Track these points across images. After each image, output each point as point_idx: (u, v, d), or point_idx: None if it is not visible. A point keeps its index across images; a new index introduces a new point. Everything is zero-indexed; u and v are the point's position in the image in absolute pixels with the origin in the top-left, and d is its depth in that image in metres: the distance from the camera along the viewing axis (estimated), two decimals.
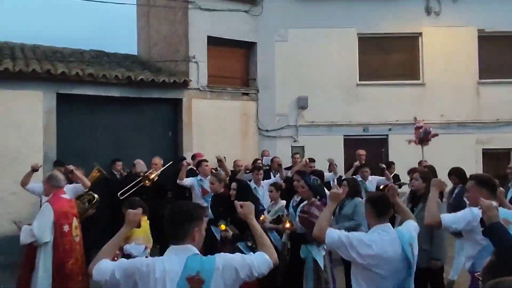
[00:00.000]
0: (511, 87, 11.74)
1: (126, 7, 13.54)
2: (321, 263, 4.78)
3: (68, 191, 6.71)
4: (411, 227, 3.32)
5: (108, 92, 9.41)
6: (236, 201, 2.88)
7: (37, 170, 6.56)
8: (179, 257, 2.34)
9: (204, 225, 2.56)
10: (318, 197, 4.93)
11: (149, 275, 2.28)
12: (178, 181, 7.48)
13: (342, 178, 7.94)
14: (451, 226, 3.58)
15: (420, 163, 8.21)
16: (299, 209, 4.98)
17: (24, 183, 6.40)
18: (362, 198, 5.71)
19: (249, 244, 5.18)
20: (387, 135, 11.27)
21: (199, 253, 2.42)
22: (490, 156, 11.36)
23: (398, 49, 11.81)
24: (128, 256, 4.62)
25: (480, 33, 11.71)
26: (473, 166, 10.68)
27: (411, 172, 6.82)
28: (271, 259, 2.56)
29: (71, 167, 6.94)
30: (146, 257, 4.72)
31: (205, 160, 7.83)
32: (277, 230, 5.58)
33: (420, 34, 11.69)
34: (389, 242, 3.08)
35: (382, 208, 3.22)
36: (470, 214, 3.49)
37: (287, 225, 4.98)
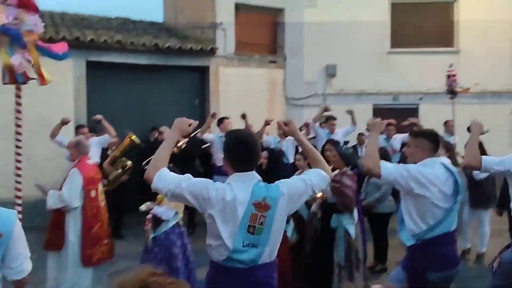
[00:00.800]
0: None
1: None
2: (352, 233, 4.73)
3: (95, 143, 6.91)
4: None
5: (136, 60, 9.42)
6: (280, 120, 2.98)
7: (67, 123, 6.84)
8: (246, 184, 2.41)
9: None
10: (350, 166, 4.84)
11: (218, 197, 2.35)
12: (198, 135, 7.43)
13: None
14: (492, 168, 3.53)
15: (447, 123, 8.18)
16: (331, 179, 4.91)
17: (53, 135, 6.66)
18: None
19: None
20: (418, 104, 10.97)
21: (262, 180, 2.50)
22: None
23: (432, 15, 11.32)
24: (158, 219, 4.69)
25: None
26: (506, 137, 10.38)
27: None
28: (328, 173, 2.66)
29: (99, 116, 7.12)
30: (178, 222, 4.78)
31: (227, 118, 7.99)
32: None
33: None
34: (442, 173, 3.21)
35: (438, 145, 3.33)
36: None
37: (318, 194, 4.92)
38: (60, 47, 2.81)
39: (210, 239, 2.47)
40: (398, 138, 7.93)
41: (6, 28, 2.60)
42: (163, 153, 2.56)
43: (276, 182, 2.53)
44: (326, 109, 8.21)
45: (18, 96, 2.86)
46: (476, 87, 11.08)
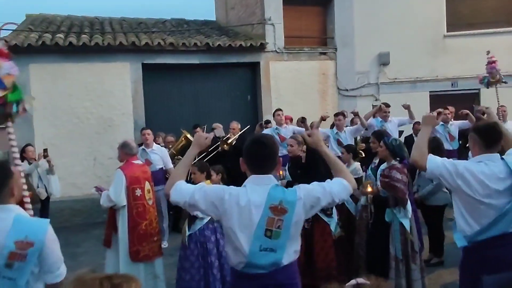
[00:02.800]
0: None
1: None
2: (407, 226, 4.62)
3: (159, 151, 7.14)
4: None
5: (188, 60, 9.64)
6: (304, 132, 2.94)
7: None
8: (262, 188, 2.38)
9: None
10: (398, 158, 4.70)
11: (232, 203, 2.34)
12: (255, 133, 7.72)
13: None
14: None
15: (499, 109, 7.65)
16: (379, 172, 4.80)
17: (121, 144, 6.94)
18: (446, 157, 5.39)
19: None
20: (479, 89, 10.37)
21: (279, 183, 2.48)
22: None
23: None
24: (194, 217, 4.78)
25: None
26: None
27: None
28: (350, 184, 2.56)
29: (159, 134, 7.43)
30: (211, 219, 4.74)
31: (280, 109, 8.07)
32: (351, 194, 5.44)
33: None
34: (497, 171, 2.91)
35: (492, 138, 2.99)
36: None
37: (369, 189, 4.82)
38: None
39: (227, 246, 2.47)
40: (456, 124, 7.62)
41: None
42: (181, 169, 2.63)
43: (294, 186, 2.51)
44: (380, 109, 7.92)
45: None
46: None
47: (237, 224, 2.33)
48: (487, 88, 8.04)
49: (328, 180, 2.60)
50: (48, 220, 2.56)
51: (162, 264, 5.11)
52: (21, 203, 3.30)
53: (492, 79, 7.70)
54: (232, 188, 2.44)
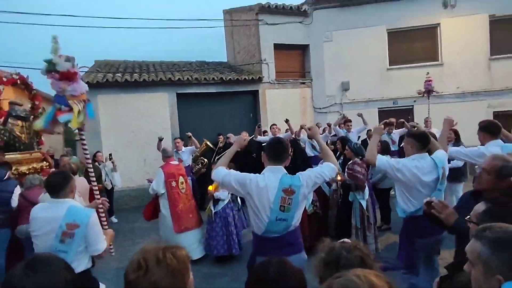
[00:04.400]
0: None
1: (219, 28, 13.69)
2: (364, 205, 4.64)
3: (186, 151, 7.19)
4: (441, 154, 3.03)
5: (208, 90, 9.67)
6: (303, 125, 3.01)
7: (162, 139, 7.20)
8: (275, 175, 2.38)
9: None
10: (359, 157, 4.72)
11: (252, 186, 2.35)
12: (254, 139, 7.69)
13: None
14: (450, 155, 3.29)
15: (426, 120, 7.82)
16: (346, 167, 4.80)
17: (158, 149, 6.96)
18: (390, 155, 5.37)
19: None
20: (412, 106, 10.40)
21: (287, 172, 2.46)
22: (501, 117, 10.04)
23: (420, 38, 10.64)
24: (218, 200, 4.81)
25: (491, 18, 10.18)
26: None
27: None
28: (335, 165, 2.58)
29: (189, 134, 7.48)
30: (230, 199, 4.90)
31: (275, 124, 8.18)
32: (326, 183, 5.45)
33: (439, 24, 10.43)
34: (426, 166, 2.92)
35: (425, 141, 2.99)
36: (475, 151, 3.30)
37: (339, 177, 4.84)
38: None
39: (251, 218, 2.47)
40: (397, 133, 7.55)
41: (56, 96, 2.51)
42: (224, 160, 2.64)
43: (297, 173, 2.48)
44: (344, 117, 8.02)
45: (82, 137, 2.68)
46: (458, 90, 10.39)
47: (258, 201, 2.34)
48: (428, 98, 8.49)
49: (320, 164, 2.62)
50: (94, 210, 2.55)
51: (200, 233, 5.06)
52: (91, 193, 3.29)
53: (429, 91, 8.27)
54: (252, 175, 2.45)
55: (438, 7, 10.32)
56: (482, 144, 3.32)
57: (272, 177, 2.38)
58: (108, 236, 2.65)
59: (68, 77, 2.36)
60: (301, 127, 7.26)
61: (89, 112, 2.69)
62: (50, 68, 2.38)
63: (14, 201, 4.11)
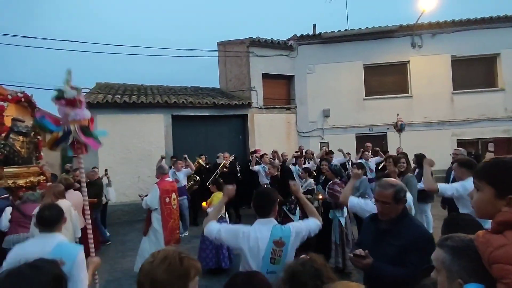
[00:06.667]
0: (477, 95, 10.70)
1: (213, 58, 13.92)
2: (343, 222, 4.64)
3: (183, 172, 7.08)
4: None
5: (202, 112, 9.68)
6: (290, 181, 2.78)
7: (164, 158, 7.20)
8: (266, 227, 2.23)
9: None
10: (339, 177, 4.77)
11: (244, 239, 2.21)
12: (250, 168, 7.71)
13: (353, 162, 7.57)
14: (446, 193, 3.27)
15: (397, 149, 7.96)
16: (327, 186, 4.83)
17: (157, 165, 6.84)
18: (366, 176, 5.46)
19: (288, 207, 5.16)
20: (386, 132, 10.68)
21: (277, 223, 2.31)
22: (463, 145, 10.42)
23: (392, 73, 11.10)
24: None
25: (453, 58, 10.75)
26: (449, 152, 9.87)
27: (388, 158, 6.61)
28: (319, 221, 2.44)
29: (185, 155, 7.39)
30: (222, 217, 4.75)
31: (266, 154, 8.07)
32: (308, 199, 5.44)
33: (408, 61, 10.93)
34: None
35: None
36: (460, 186, 3.25)
37: (320, 196, 4.86)
38: (91, 143, 2.44)
39: (242, 267, 2.30)
40: (373, 161, 7.62)
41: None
42: (214, 213, 2.49)
43: (287, 224, 2.32)
44: (325, 151, 7.90)
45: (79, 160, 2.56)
46: (425, 119, 10.77)
47: (248, 253, 2.20)
48: (399, 132, 8.74)
49: (307, 219, 2.46)
50: (81, 247, 2.22)
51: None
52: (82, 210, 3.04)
53: (399, 127, 8.64)
54: (245, 227, 2.29)
55: (407, 47, 10.86)
56: (460, 179, 3.36)
57: (263, 228, 2.24)
58: (93, 265, 2.34)
59: (73, 103, 2.40)
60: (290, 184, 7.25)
61: (99, 133, 2.64)
62: (59, 95, 2.39)
63: (3, 221, 4.00)
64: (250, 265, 2.20)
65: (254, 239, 2.19)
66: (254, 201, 2.33)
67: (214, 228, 2.31)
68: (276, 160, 7.50)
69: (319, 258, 1.41)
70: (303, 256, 1.43)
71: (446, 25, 10.70)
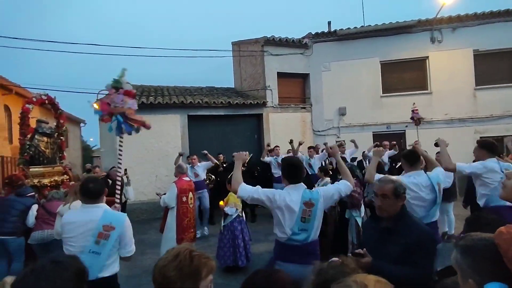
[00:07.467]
0: (500, 90, 10.27)
1: (227, 58, 13.98)
2: (359, 222, 4.57)
3: (202, 166, 7.12)
4: (438, 171, 3.13)
5: (217, 112, 9.76)
6: (326, 144, 3.08)
7: (182, 155, 7.19)
8: (297, 191, 2.45)
9: None
10: (354, 177, 4.69)
11: (280, 200, 2.40)
12: (261, 159, 7.82)
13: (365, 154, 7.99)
14: (464, 170, 3.29)
15: (415, 142, 7.67)
16: None
17: (175, 163, 6.94)
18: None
19: None
20: (404, 130, 10.41)
21: (307, 188, 2.50)
22: None
23: (411, 70, 10.80)
24: (226, 214, 4.75)
25: (475, 52, 10.35)
26: (472, 150, 9.53)
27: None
28: (351, 183, 2.62)
29: (205, 151, 7.45)
30: (238, 216, 4.79)
31: (278, 146, 8.35)
32: None
33: (427, 57, 10.61)
34: (422, 181, 2.96)
35: (412, 159, 3.09)
36: (480, 164, 3.27)
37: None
38: (139, 123, 3.13)
39: (276, 227, 2.49)
40: (386, 154, 7.54)
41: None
42: (237, 174, 2.63)
43: (316, 188, 2.58)
44: (340, 144, 7.91)
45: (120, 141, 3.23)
46: (446, 116, 10.43)
47: (287, 213, 2.39)
48: (417, 125, 8.50)
49: (338, 182, 2.70)
50: (126, 214, 2.55)
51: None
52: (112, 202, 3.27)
53: (416, 119, 8.31)
54: (279, 190, 2.49)
55: (426, 42, 10.55)
56: (480, 160, 3.31)
57: (295, 192, 2.46)
58: None
59: (129, 94, 2.89)
60: (325, 146, 7.24)
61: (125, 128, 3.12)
62: (114, 85, 2.82)
63: (31, 218, 4.15)
64: (283, 224, 2.38)
65: (289, 200, 2.41)
66: (285, 169, 2.53)
67: (249, 188, 2.49)
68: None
69: (351, 262, 1.38)
70: (334, 259, 1.40)
71: (468, 19, 10.31)
